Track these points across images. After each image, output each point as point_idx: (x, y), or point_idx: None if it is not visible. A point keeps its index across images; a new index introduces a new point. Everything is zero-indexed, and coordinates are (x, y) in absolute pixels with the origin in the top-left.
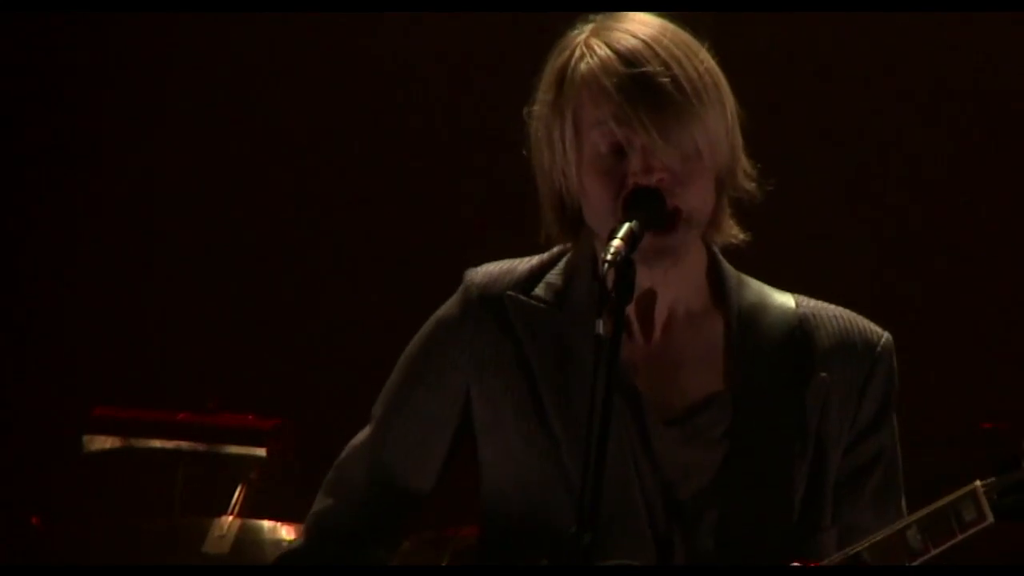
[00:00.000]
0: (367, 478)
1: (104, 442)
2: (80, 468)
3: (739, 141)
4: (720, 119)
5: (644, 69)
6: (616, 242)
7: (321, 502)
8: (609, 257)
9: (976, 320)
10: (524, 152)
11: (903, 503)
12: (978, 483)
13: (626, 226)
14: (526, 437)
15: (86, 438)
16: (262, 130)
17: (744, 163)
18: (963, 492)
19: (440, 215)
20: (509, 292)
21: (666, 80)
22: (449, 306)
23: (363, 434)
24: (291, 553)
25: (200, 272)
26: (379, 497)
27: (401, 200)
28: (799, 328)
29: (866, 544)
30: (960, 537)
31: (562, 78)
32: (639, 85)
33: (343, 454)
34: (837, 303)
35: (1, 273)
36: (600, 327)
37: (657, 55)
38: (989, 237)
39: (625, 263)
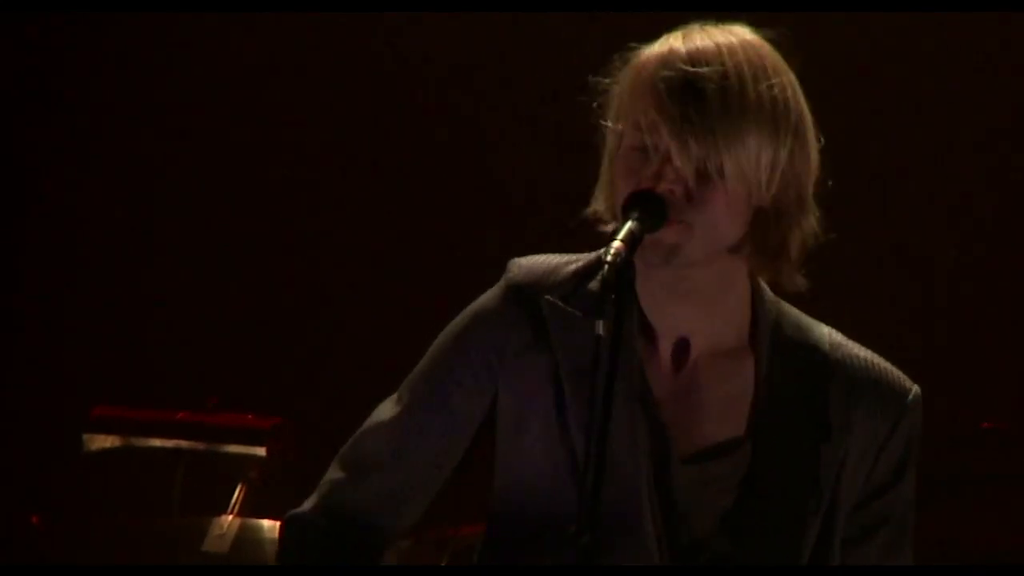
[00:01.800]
0: (386, 459)
1: (104, 441)
2: (80, 468)
3: (803, 183)
4: (766, 148)
5: (698, 71)
6: (616, 243)
7: (335, 472)
8: (609, 258)
9: (976, 320)
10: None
11: (911, 558)
12: None
13: (627, 227)
14: (546, 444)
15: (86, 437)
16: (262, 130)
17: (807, 210)
18: None
19: (440, 215)
20: (547, 297)
21: (713, 87)
22: (487, 299)
23: (387, 412)
24: (300, 516)
25: (200, 271)
26: (394, 479)
27: (401, 200)
28: (828, 376)
29: None
30: None
31: (630, 61)
32: (680, 86)
33: (364, 427)
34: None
35: (1, 273)
36: (600, 328)
37: (721, 62)
38: (989, 236)
39: (625, 264)
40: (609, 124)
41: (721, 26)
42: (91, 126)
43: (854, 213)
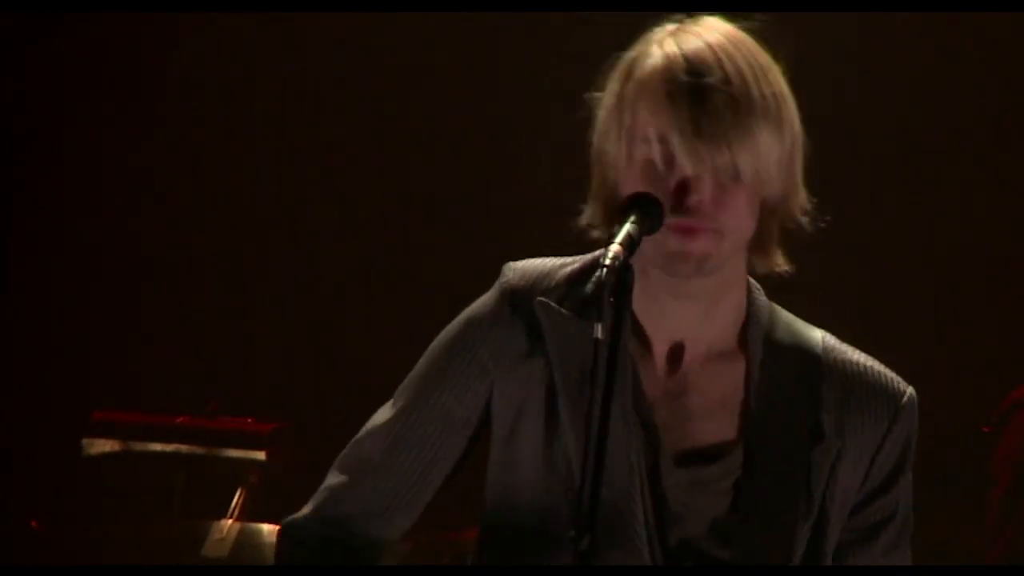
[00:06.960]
0: (379, 462)
1: (104, 445)
2: (80, 472)
3: (797, 170)
4: (774, 144)
5: (704, 80)
6: (615, 247)
7: (331, 477)
8: (607, 261)
9: (978, 322)
10: (589, 135)
11: (909, 558)
12: None
13: (625, 230)
14: (539, 446)
15: (86, 441)
16: (260, 133)
17: (801, 194)
18: None
19: (440, 220)
20: (541, 299)
21: (720, 95)
22: (482, 304)
23: (382, 416)
24: (296, 523)
25: (200, 275)
26: (388, 483)
27: (400, 204)
28: (821, 380)
29: None
30: None
31: (630, 71)
32: (689, 98)
33: (361, 433)
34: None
35: (0, 276)
36: (599, 331)
37: (722, 66)
38: (990, 238)
39: (623, 267)
40: (611, 137)
41: (701, 21)
42: (91, 129)
43: (852, 215)
